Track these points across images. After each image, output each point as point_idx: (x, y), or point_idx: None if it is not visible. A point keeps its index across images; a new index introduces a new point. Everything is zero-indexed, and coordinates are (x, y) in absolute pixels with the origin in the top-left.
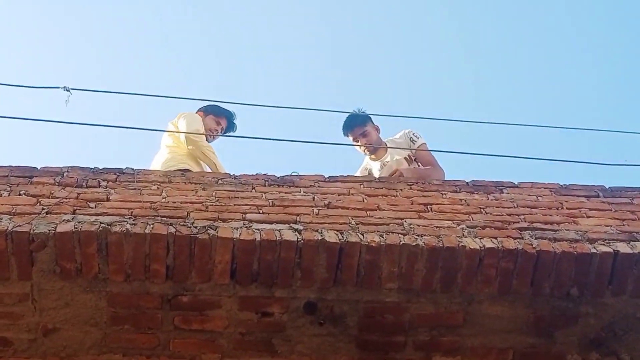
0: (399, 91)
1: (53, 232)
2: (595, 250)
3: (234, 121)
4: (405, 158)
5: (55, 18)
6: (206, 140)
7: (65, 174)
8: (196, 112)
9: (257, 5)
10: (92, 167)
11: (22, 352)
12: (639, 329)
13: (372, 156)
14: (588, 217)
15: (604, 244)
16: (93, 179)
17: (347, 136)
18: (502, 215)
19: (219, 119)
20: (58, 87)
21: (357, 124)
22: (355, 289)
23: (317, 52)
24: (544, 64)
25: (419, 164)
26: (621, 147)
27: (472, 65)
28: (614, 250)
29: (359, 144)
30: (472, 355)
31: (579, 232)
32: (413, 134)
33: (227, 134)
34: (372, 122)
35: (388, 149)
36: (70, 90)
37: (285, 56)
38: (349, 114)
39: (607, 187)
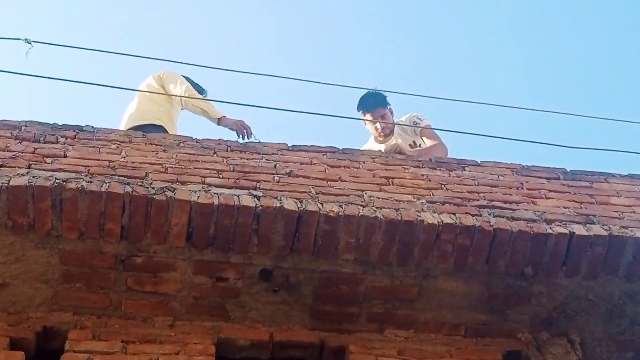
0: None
1: (6, 185)
2: (551, 231)
3: (196, 82)
4: (410, 145)
5: None
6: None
7: (22, 128)
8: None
9: None
10: (51, 122)
11: None
12: (589, 310)
13: (380, 138)
14: (547, 198)
15: (560, 225)
16: (51, 135)
17: (364, 114)
18: (463, 192)
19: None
20: (19, 39)
21: (379, 105)
22: (312, 258)
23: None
24: (521, 44)
25: (424, 142)
26: (585, 132)
27: (432, 44)
28: (569, 231)
29: (375, 124)
30: (424, 330)
31: (537, 213)
32: (417, 117)
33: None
34: (389, 104)
35: (394, 133)
36: (32, 43)
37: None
38: (367, 91)
39: (568, 170)
